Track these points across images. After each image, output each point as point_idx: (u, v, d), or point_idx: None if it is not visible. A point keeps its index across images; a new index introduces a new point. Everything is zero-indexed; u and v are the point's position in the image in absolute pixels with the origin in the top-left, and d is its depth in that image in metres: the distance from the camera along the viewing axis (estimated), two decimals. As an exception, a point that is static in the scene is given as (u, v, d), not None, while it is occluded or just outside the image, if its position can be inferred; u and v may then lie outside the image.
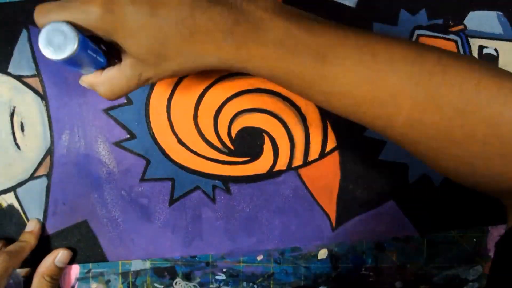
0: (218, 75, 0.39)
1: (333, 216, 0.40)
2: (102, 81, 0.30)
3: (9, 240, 0.40)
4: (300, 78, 0.27)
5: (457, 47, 0.40)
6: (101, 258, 0.40)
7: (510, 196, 0.28)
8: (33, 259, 0.39)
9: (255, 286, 0.40)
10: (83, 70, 0.31)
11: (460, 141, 0.26)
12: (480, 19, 0.40)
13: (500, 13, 0.40)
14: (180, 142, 0.40)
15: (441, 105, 0.26)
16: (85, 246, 0.40)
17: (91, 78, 0.31)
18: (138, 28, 0.26)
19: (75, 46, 0.26)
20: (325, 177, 0.40)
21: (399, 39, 0.27)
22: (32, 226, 0.39)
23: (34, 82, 0.39)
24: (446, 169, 0.29)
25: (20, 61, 0.39)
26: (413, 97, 0.26)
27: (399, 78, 0.26)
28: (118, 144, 0.40)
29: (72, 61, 0.27)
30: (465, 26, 0.40)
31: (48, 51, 0.26)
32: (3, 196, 0.40)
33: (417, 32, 0.40)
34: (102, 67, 0.31)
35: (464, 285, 0.41)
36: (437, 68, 0.26)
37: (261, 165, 0.40)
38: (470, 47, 0.40)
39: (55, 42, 0.26)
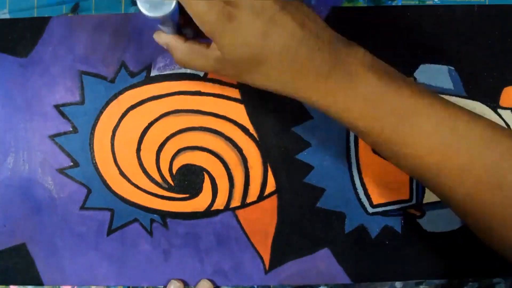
0: (164, 110, 0.39)
1: (267, 259, 0.40)
2: (182, 49, 0.31)
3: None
4: (377, 134, 0.28)
5: (405, 100, 0.39)
6: (37, 281, 0.41)
7: None
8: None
9: (255, 286, 0.41)
10: (161, 28, 0.32)
11: None
12: (431, 72, 0.40)
13: (451, 67, 0.40)
14: (122, 174, 0.40)
15: (504, 189, 0.27)
16: (22, 269, 0.40)
17: (171, 40, 0.31)
18: (245, 37, 0.27)
19: (172, 7, 0.28)
20: (262, 220, 0.40)
21: (480, 117, 0.28)
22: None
23: (-18, 104, 0.40)
24: (495, 245, 0.30)
25: (-31, 83, 0.39)
26: (478, 175, 0.27)
27: (470, 156, 0.27)
28: (62, 171, 0.40)
29: (160, 21, 0.29)
30: (415, 78, 0.40)
31: (144, 8, 0.28)
32: None
33: (365, 81, 0.39)
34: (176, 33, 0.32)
35: (464, 285, 0.41)
36: (509, 153, 0.27)
37: (199, 203, 0.40)
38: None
39: (153, 0, 0.28)
